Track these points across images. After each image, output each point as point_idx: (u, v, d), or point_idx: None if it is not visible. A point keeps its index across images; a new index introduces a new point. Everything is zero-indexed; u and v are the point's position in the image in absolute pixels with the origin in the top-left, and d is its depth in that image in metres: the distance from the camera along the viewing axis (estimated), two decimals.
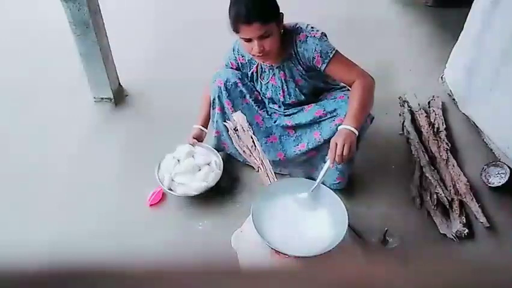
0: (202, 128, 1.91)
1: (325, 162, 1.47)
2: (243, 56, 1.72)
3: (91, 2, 2.00)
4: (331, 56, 1.52)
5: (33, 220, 1.77)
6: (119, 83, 2.44)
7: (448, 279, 0.30)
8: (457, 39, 2.34)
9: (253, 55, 1.54)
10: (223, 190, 1.89)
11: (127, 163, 2.04)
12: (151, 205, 1.82)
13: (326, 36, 1.56)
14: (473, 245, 1.68)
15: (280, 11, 1.52)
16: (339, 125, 1.57)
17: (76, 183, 1.94)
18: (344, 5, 3.22)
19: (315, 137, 1.68)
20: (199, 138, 1.90)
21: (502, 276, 0.30)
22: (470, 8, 2.20)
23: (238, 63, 1.75)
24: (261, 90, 1.78)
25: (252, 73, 1.75)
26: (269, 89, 1.74)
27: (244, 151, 1.64)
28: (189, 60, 2.58)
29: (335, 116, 1.60)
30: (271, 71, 1.69)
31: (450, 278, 0.30)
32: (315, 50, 1.52)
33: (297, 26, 1.57)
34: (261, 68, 1.71)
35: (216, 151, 1.91)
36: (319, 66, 1.55)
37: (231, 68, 1.77)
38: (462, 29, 2.27)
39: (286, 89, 1.70)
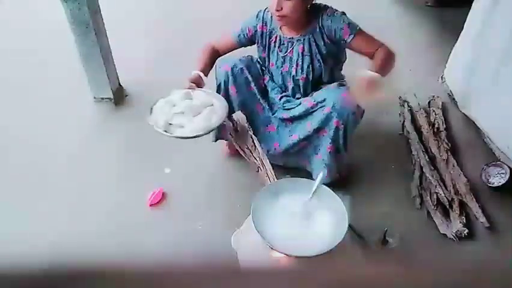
0: (202, 75, 1.70)
1: (320, 172, 1.48)
2: (265, 25, 1.73)
3: (91, 2, 2.00)
4: (358, 29, 1.61)
5: (33, 220, 1.77)
6: (119, 83, 2.44)
7: (447, 279, 0.30)
8: (457, 39, 2.34)
9: (273, 13, 1.59)
10: (224, 190, 1.89)
11: (127, 163, 2.04)
12: (151, 205, 1.82)
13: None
14: (473, 245, 1.68)
15: None
16: (327, 114, 1.62)
17: (76, 183, 1.94)
18: (344, 5, 3.21)
19: (306, 127, 1.71)
20: (198, 85, 1.67)
21: (502, 276, 0.30)
22: (470, 7, 2.20)
23: (256, 31, 1.75)
24: (275, 63, 1.79)
25: (270, 43, 1.75)
26: (286, 62, 1.76)
27: (244, 151, 1.64)
28: (189, 60, 2.58)
29: (324, 105, 1.63)
30: (290, 43, 1.71)
31: (450, 278, 0.30)
32: (343, 21, 1.61)
33: (324, 4, 1.66)
34: (280, 39, 1.72)
35: (218, 95, 1.69)
36: (345, 38, 1.61)
37: (247, 33, 1.76)
38: (462, 29, 2.27)
39: (300, 63, 1.72)
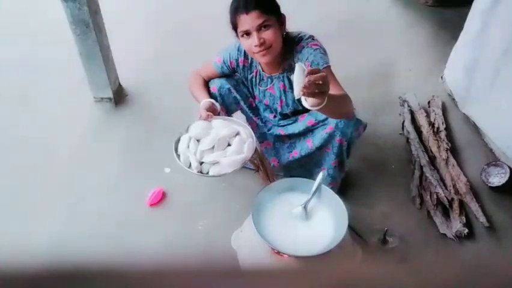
0: (214, 102, 1.63)
1: (319, 172, 1.47)
2: (246, 58, 1.68)
3: (91, 1, 2.00)
4: (320, 69, 1.43)
5: (33, 220, 1.77)
6: (119, 83, 2.44)
7: (448, 279, 0.30)
8: (456, 39, 2.34)
9: (255, 53, 1.50)
10: (224, 190, 1.89)
11: (127, 163, 2.04)
12: (151, 205, 1.83)
13: (324, 51, 1.54)
14: (473, 245, 1.68)
15: (282, 13, 1.51)
16: (329, 133, 1.55)
17: (76, 183, 1.94)
18: (344, 5, 3.22)
19: (307, 144, 1.67)
20: (213, 112, 1.60)
21: (502, 276, 0.30)
22: (470, 7, 2.20)
23: (238, 64, 1.70)
24: (259, 96, 1.77)
25: (252, 77, 1.73)
26: (266, 97, 1.74)
27: None
28: (189, 60, 2.59)
29: (326, 124, 1.58)
30: (269, 80, 1.67)
31: (450, 278, 0.30)
32: (307, 59, 1.50)
33: (299, 35, 1.56)
34: (260, 75, 1.69)
35: (239, 121, 1.62)
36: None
37: (229, 65, 1.71)
38: (462, 29, 2.27)
39: (284, 100, 1.69)
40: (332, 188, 1.73)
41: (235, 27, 1.51)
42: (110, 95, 2.32)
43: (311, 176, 1.79)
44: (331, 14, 3.03)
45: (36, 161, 2.03)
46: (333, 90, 1.38)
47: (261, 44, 1.46)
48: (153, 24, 3.06)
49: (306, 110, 1.69)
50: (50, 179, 1.95)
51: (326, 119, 1.57)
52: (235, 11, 1.47)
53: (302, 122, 1.68)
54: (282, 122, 1.76)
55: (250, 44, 1.48)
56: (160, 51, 2.75)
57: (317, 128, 1.62)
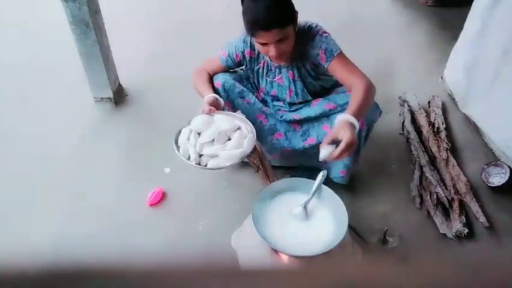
0: (217, 97, 1.63)
1: (322, 170, 1.47)
2: (253, 49, 1.66)
3: (91, 1, 2.00)
4: (335, 55, 1.52)
5: (33, 220, 1.77)
6: (119, 83, 2.44)
7: (448, 279, 0.30)
8: (457, 39, 2.34)
9: (269, 57, 1.54)
10: (224, 190, 1.89)
11: (127, 163, 2.04)
12: (151, 205, 1.83)
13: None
14: (473, 245, 1.68)
15: (296, 11, 1.51)
16: None
17: (76, 183, 1.94)
18: (343, 4, 3.22)
19: (324, 130, 1.67)
20: (216, 107, 1.60)
21: (502, 276, 0.30)
22: (470, 7, 2.20)
23: (244, 56, 1.68)
24: (265, 88, 1.76)
25: (259, 68, 1.71)
26: (274, 87, 1.73)
27: None
28: (189, 60, 2.58)
29: (346, 108, 1.53)
30: (277, 70, 1.66)
31: (450, 278, 0.30)
32: (320, 47, 1.53)
33: (308, 25, 1.58)
34: (267, 65, 1.68)
35: (241, 116, 1.63)
36: (322, 63, 1.55)
37: (234, 58, 1.69)
38: (462, 29, 2.27)
39: (294, 89, 1.69)
40: (341, 177, 1.74)
41: (250, 33, 1.50)
42: (110, 95, 2.33)
43: (325, 164, 1.71)
44: (331, 14, 3.03)
45: (37, 161, 2.03)
46: (352, 76, 1.49)
47: (278, 55, 1.49)
48: (153, 24, 3.06)
49: (316, 97, 1.71)
50: (50, 179, 1.95)
51: (347, 103, 1.52)
52: (254, 26, 1.44)
53: (318, 106, 1.68)
54: (293, 107, 1.75)
55: (266, 51, 1.50)
56: (160, 51, 2.75)
57: (335, 112, 1.60)
